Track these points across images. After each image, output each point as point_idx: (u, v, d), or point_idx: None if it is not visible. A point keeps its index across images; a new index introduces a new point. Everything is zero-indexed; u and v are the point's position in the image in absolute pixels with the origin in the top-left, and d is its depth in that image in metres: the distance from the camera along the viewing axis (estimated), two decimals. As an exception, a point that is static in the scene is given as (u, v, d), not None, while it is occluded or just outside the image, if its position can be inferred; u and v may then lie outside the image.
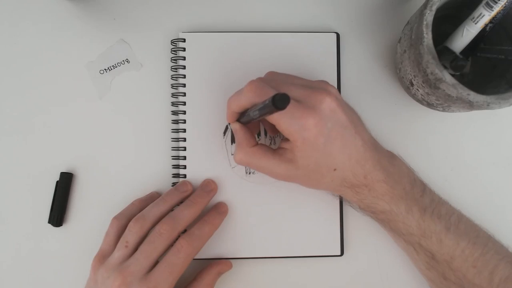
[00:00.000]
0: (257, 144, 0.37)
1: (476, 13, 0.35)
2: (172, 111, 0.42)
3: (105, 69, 0.42)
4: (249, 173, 0.41)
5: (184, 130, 0.41)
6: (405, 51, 0.37)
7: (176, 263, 0.36)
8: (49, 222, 0.41)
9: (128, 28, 0.43)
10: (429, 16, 0.33)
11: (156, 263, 0.36)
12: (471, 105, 0.33)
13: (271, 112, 0.28)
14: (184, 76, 0.42)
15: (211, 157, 0.41)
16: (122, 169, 0.42)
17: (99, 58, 0.42)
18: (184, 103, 0.41)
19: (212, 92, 0.41)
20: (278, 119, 0.33)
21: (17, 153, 0.42)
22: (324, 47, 0.42)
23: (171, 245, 0.37)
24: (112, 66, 0.42)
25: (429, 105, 0.39)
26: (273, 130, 0.39)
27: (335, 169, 0.35)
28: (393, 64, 0.43)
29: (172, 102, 0.42)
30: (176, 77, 0.42)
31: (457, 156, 0.43)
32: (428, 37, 0.33)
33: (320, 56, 0.42)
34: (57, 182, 0.41)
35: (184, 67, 0.42)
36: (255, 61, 0.42)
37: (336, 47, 0.42)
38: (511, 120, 0.44)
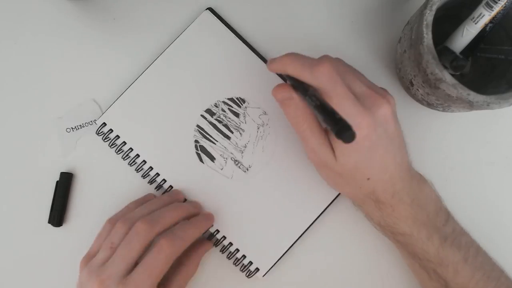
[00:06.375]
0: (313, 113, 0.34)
1: (476, 13, 0.35)
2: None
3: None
4: (231, 177, 0.41)
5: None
6: (405, 51, 0.37)
7: (156, 264, 0.33)
8: (49, 222, 0.41)
9: (128, 28, 0.43)
10: (429, 16, 0.33)
11: (136, 263, 0.34)
12: (471, 105, 0.33)
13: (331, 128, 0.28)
14: (132, 149, 0.41)
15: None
16: (123, 169, 0.42)
17: (67, 115, 0.42)
18: (148, 165, 0.41)
19: (160, 130, 0.42)
20: (338, 105, 0.31)
21: (17, 153, 0.42)
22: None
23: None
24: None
25: (429, 105, 0.39)
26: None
27: (368, 178, 0.34)
28: (393, 64, 0.43)
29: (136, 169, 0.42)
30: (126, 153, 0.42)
31: (457, 156, 0.43)
32: (428, 37, 0.33)
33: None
34: (57, 182, 0.41)
35: (124, 143, 0.41)
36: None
37: None
38: (511, 120, 0.44)
